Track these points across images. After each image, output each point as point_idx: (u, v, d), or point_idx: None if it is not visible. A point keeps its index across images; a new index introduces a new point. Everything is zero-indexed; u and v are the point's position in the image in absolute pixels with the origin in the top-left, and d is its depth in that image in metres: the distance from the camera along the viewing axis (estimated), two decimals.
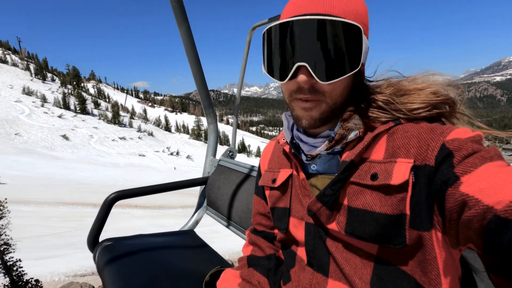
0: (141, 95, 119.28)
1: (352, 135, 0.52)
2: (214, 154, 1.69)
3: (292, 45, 0.48)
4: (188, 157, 38.06)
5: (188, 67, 1.40)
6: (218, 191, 1.47)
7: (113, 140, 40.85)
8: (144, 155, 38.04)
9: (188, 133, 63.13)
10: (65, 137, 35.53)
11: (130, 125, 51.30)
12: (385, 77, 0.57)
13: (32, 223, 6.48)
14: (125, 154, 37.30)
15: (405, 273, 0.47)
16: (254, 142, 70.33)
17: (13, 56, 65.25)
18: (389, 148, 0.50)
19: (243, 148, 58.87)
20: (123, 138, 43.93)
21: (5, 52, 66.05)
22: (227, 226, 1.41)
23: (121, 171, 22.67)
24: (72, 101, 49.29)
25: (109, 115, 50.97)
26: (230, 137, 1.78)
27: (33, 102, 44.18)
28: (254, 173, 1.32)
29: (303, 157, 0.59)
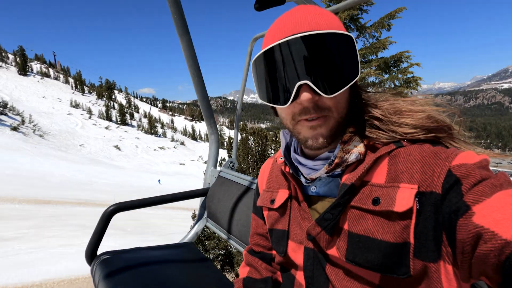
0: (159, 104, 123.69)
1: (352, 158, 0.50)
2: (215, 165, 1.66)
3: (289, 66, 0.47)
4: (220, 165, 41.85)
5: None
6: (218, 203, 1.44)
7: (154, 150, 44.45)
8: (184, 164, 41.57)
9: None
10: (117, 147, 39.23)
11: (164, 135, 55.03)
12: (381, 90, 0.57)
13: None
14: (168, 163, 40.92)
15: None
16: None
17: (52, 71, 69.59)
18: (391, 172, 0.48)
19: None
20: (162, 148, 47.61)
21: (42, 66, 70.84)
22: (227, 240, 1.38)
23: (173, 178, 26.03)
24: (114, 113, 53.34)
25: (145, 125, 54.71)
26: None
27: (81, 114, 48.06)
28: (254, 186, 1.26)
29: (302, 179, 0.58)
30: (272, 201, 0.65)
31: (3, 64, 56.90)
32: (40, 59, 76.89)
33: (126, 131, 49.43)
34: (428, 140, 0.49)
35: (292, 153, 0.59)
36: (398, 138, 0.50)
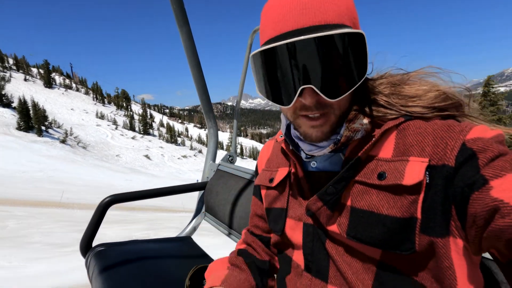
0: (167, 110, 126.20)
1: (358, 136, 0.49)
2: (214, 159, 1.64)
3: (291, 68, 0.43)
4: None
5: (192, 79, 1.38)
6: (216, 197, 1.42)
7: (178, 158, 47.05)
8: None
9: (223, 148, 69.60)
10: (147, 157, 41.86)
11: (183, 144, 57.65)
12: (385, 73, 0.54)
13: None
14: (193, 170, 43.62)
15: (412, 280, 0.44)
16: None
17: (72, 82, 72.09)
18: (399, 146, 0.46)
19: None
20: (184, 156, 50.28)
21: (61, 78, 73.48)
22: (228, 234, 1.35)
23: None
24: (135, 123, 55.94)
25: (164, 133, 57.25)
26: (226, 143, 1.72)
27: (108, 125, 50.70)
28: (254, 178, 1.22)
29: (302, 154, 0.56)
30: (271, 180, 0.65)
31: (30, 78, 59.56)
32: (57, 70, 79.46)
33: (150, 141, 51.94)
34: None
35: (292, 130, 0.56)
36: (406, 114, 0.48)
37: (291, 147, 0.58)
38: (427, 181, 0.42)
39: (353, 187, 0.49)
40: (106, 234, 4.17)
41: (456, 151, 0.40)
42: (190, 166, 48.19)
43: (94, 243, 1.23)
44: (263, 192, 0.69)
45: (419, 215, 0.42)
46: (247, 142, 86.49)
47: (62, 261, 2.82)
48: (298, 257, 0.58)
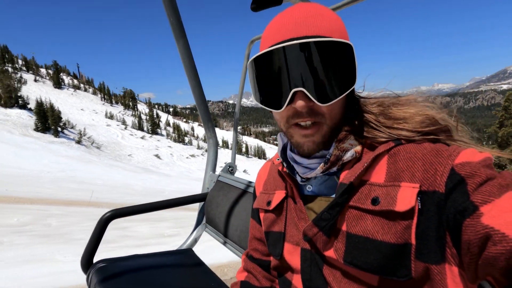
0: (171, 109, 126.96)
1: (348, 156, 0.50)
2: (214, 169, 1.66)
3: (285, 71, 0.46)
4: (244, 171, 44.95)
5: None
6: (217, 208, 1.43)
7: (187, 157, 47.82)
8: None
9: (228, 147, 70.30)
10: (157, 156, 42.60)
11: (190, 143, 58.49)
12: (377, 93, 0.57)
13: None
14: (202, 170, 44.43)
15: None
16: None
17: (79, 82, 72.79)
18: (391, 171, 0.47)
19: None
20: (192, 156, 51.13)
21: (68, 78, 74.31)
22: (224, 244, 1.36)
23: None
24: (143, 122, 56.80)
25: (171, 133, 58.03)
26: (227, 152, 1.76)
27: (117, 125, 51.48)
28: (253, 190, 1.24)
29: (298, 178, 0.57)
30: (269, 203, 0.65)
31: (40, 78, 60.49)
32: (65, 71, 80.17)
33: (158, 140, 52.57)
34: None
35: (288, 152, 0.58)
36: (395, 138, 0.50)
37: (287, 171, 0.58)
38: (419, 207, 0.42)
39: (348, 212, 0.49)
40: (138, 231, 4.32)
41: (446, 177, 0.41)
42: (199, 165, 49.14)
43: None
44: (261, 215, 0.69)
45: (413, 241, 0.42)
46: (251, 141, 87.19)
47: (112, 255, 3.26)
48: (297, 281, 0.58)
